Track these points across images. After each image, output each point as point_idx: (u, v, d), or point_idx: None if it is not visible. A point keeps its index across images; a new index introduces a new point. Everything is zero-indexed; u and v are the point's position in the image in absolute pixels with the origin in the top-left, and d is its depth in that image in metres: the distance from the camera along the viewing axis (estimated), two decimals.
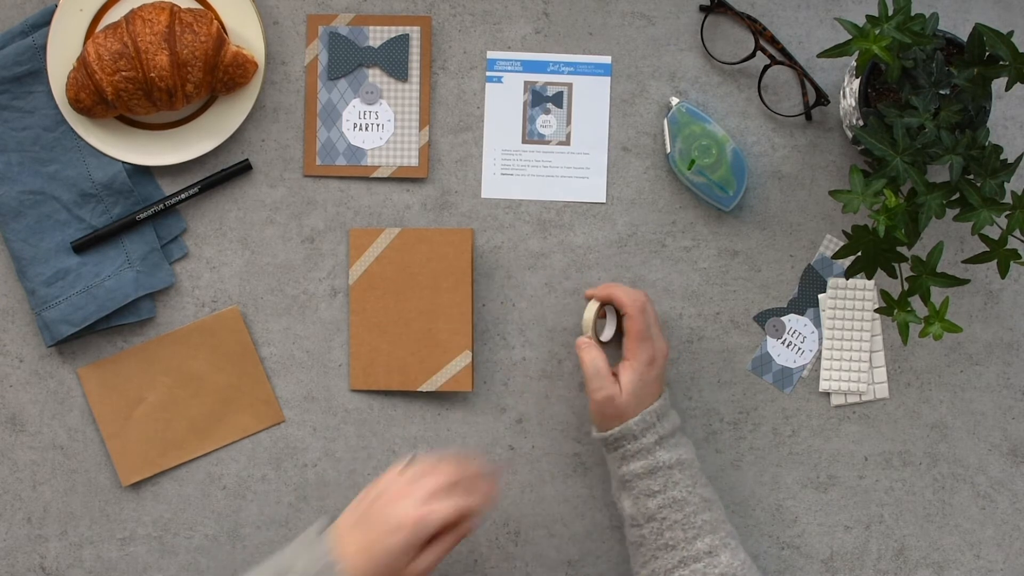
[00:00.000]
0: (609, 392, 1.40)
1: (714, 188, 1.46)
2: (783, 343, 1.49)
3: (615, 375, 1.41)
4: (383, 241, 1.48)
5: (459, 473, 1.33)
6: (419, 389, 1.48)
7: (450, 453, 1.40)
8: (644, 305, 1.42)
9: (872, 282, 1.48)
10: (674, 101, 1.47)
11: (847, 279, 1.48)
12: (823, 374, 1.48)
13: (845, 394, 1.49)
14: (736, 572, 1.37)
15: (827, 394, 1.49)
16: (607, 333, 1.46)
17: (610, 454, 1.41)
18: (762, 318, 1.49)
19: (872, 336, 1.48)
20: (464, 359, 1.47)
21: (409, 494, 1.31)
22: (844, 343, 1.48)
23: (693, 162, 1.45)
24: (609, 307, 1.46)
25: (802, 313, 1.49)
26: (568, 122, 1.50)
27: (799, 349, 1.49)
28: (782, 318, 1.49)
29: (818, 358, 1.49)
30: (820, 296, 1.49)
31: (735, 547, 1.38)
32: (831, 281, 1.48)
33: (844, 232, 1.32)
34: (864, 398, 1.49)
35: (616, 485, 1.41)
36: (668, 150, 1.47)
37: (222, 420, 1.49)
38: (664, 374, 1.43)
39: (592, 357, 1.41)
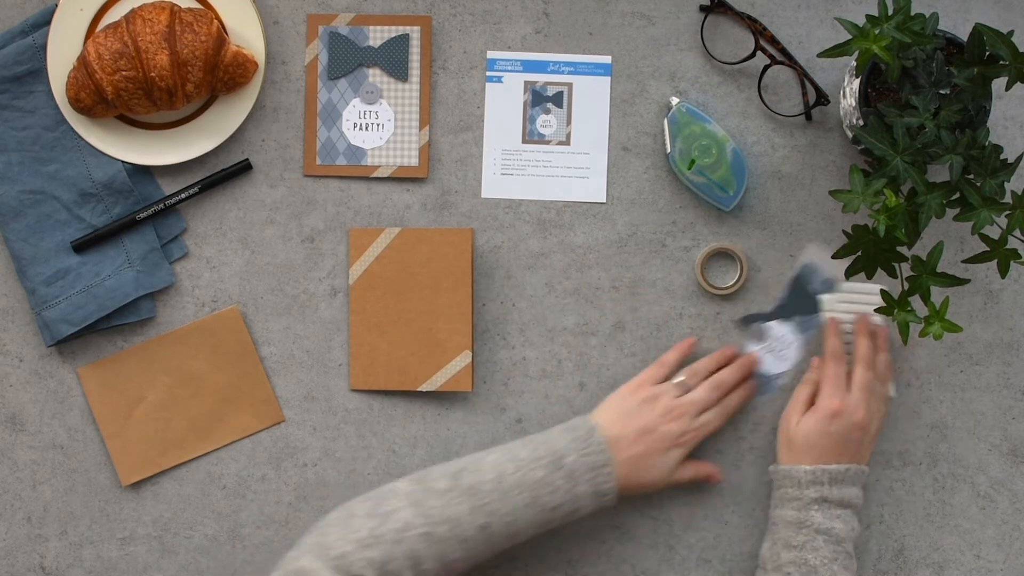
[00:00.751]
0: (786, 417, 1.44)
1: (714, 188, 1.46)
2: (765, 349, 1.49)
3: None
4: (383, 241, 1.48)
5: (724, 381, 1.44)
6: (419, 389, 1.48)
7: (706, 359, 1.46)
8: (840, 355, 1.44)
9: (877, 285, 1.48)
10: (674, 101, 1.47)
11: (846, 279, 1.48)
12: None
13: None
14: None
15: None
16: (724, 280, 1.47)
17: (774, 492, 1.43)
18: (747, 321, 1.49)
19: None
20: (464, 359, 1.47)
21: (685, 412, 1.41)
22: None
23: (693, 162, 1.45)
24: (731, 252, 1.47)
25: (788, 319, 1.49)
26: (568, 122, 1.50)
27: (781, 356, 1.49)
28: (766, 324, 1.49)
29: (799, 367, 1.49)
30: (824, 298, 1.48)
31: None
32: (836, 287, 1.48)
33: (844, 232, 1.32)
34: None
35: (768, 528, 1.43)
36: (668, 150, 1.47)
37: (222, 420, 1.49)
38: (861, 446, 1.41)
39: (805, 382, 1.45)
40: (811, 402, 1.44)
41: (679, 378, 1.44)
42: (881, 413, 1.45)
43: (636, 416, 1.41)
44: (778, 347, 1.49)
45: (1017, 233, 1.39)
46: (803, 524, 1.39)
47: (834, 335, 1.45)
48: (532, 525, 1.36)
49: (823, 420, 1.41)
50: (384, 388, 1.48)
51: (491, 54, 1.50)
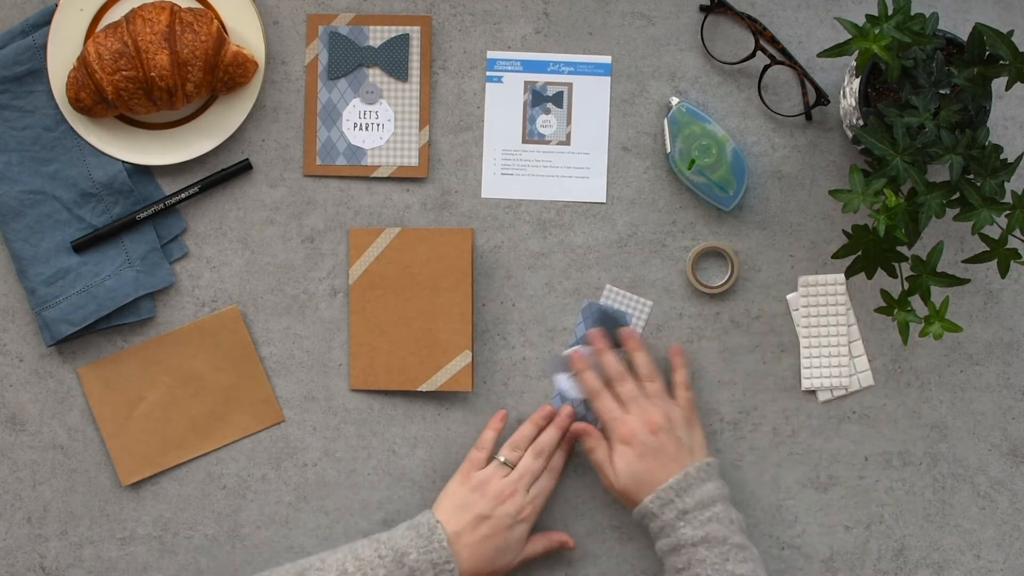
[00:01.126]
0: (604, 478, 1.43)
1: (714, 188, 1.46)
2: (570, 376, 1.49)
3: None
4: (383, 241, 1.48)
5: (545, 446, 1.44)
6: (419, 389, 1.48)
7: (525, 426, 1.46)
8: (596, 387, 1.43)
9: (841, 275, 1.48)
10: (674, 101, 1.47)
11: (847, 278, 1.48)
12: (804, 372, 1.48)
13: (830, 389, 1.49)
14: None
15: (813, 392, 1.49)
16: (717, 279, 1.47)
17: (649, 535, 1.42)
18: (547, 370, 1.49)
19: (848, 327, 1.48)
20: (464, 359, 1.47)
21: (516, 488, 1.41)
22: (821, 339, 1.48)
23: (693, 162, 1.45)
24: (723, 251, 1.47)
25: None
26: (568, 122, 1.50)
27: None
28: (567, 351, 1.48)
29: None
30: (789, 296, 1.49)
31: None
32: (801, 279, 1.48)
33: (844, 232, 1.33)
34: (850, 390, 1.49)
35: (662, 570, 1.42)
36: (668, 150, 1.47)
37: (222, 420, 1.49)
38: (683, 446, 1.40)
39: (589, 449, 1.44)
40: (606, 455, 1.43)
41: (502, 456, 1.43)
42: (682, 403, 1.44)
43: (470, 506, 1.40)
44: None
45: (1017, 233, 1.39)
46: (679, 546, 1.38)
47: (583, 370, 1.45)
48: None
49: (626, 453, 1.40)
50: (384, 388, 1.48)
51: (491, 54, 1.50)
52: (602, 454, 1.43)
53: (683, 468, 1.40)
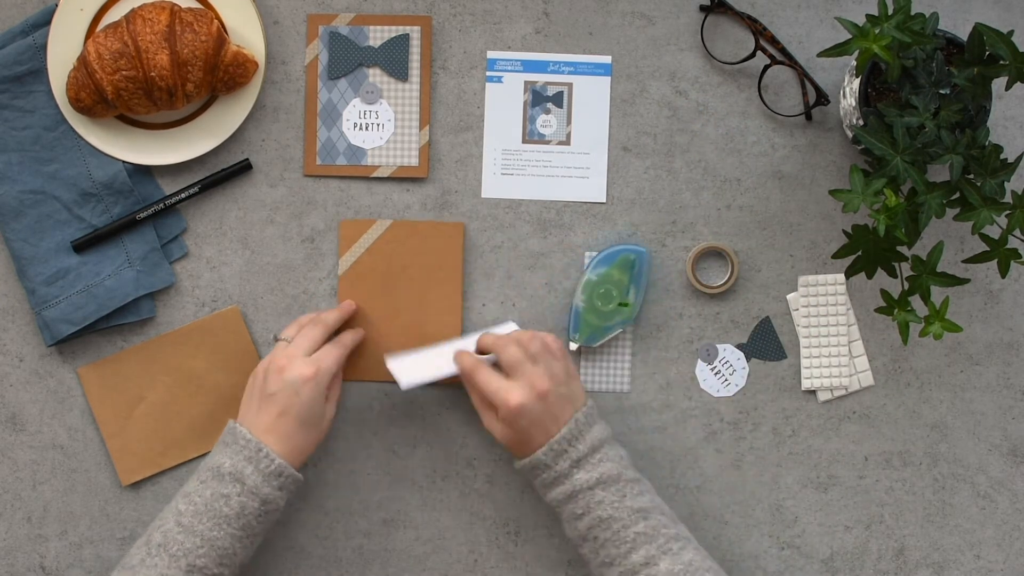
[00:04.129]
0: (490, 427, 1.39)
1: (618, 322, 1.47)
2: (712, 370, 1.49)
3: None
4: (374, 233, 1.48)
5: (321, 316, 1.43)
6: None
7: (308, 315, 1.45)
8: (474, 368, 1.38)
9: (841, 275, 1.48)
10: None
11: (847, 278, 1.48)
12: (804, 372, 1.48)
13: (830, 389, 1.49)
14: None
15: (813, 392, 1.49)
16: (717, 279, 1.47)
17: (533, 482, 1.39)
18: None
19: (849, 327, 1.48)
20: None
21: (293, 355, 1.39)
22: (821, 339, 1.48)
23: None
24: (723, 251, 1.47)
25: (741, 348, 1.49)
26: (568, 122, 1.50)
27: (726, 380, 1.49)
28: (718, 345, 1.49)
29: (742, 394, 1.49)
30: (789, 296, 1.49)
31: (677, 551, 1.34)
32: (801, 279, 1.48)
33: (844, 232, 1.33)
34: (850, 390, 1.49)
35: (558, 513, 1.39)
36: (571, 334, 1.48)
37: (222, 420, 1.49)
38: (563, 399, 1.36)
39: (474, 385, 1.39)
40: (486, 400, 1.39)
41: (281, 335, 1.42)
42: (556, 351, 1.38)
43: (258, 392, 1.38)
44: (724, 370, 1.49)
45: (1017, 233, 1.39)
46: (575, 492, 1.35)
47: (462, 356, 1.40)
48: (236, 540, 1.35)
49: (516, 423, 1.36)
50: (375, 379, 1.48)
51: (491, 54, 1.50)
52: (489, 419, 1.39)
53: (572, 417, 1.36)
